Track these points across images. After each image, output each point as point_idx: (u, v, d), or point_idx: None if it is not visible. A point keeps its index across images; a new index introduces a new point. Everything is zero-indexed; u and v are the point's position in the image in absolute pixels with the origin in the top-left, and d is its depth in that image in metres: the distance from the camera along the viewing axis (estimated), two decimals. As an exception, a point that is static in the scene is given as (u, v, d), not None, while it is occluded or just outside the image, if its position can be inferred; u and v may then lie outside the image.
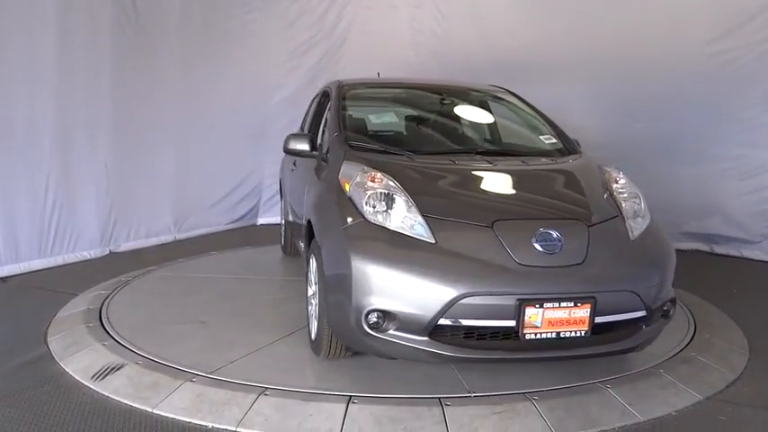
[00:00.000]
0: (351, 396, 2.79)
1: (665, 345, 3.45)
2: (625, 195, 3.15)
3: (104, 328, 3.63)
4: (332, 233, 2.98)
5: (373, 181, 2.94)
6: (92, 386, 3.00)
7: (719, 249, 6.08)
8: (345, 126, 3.66)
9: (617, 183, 3.23)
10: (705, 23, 5.84)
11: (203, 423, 2.66)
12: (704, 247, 6.17)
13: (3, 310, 4.20)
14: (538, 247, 2.72)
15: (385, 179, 2.95)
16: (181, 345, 3.37)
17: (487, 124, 4.28)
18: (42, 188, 5.19)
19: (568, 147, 3.73)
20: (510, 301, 2.60)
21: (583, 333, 2.69)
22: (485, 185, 3.21)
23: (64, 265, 5.33)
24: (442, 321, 2.62)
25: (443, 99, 4.39)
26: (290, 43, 7.19)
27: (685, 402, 2.89)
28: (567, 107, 6.41)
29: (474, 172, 3.29)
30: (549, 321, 2.64)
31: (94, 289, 4.46)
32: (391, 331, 2.68)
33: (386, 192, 2.89)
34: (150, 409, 2.77)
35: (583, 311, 2.66)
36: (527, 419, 2.66)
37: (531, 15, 6.61)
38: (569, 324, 2.67)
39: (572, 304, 2.65)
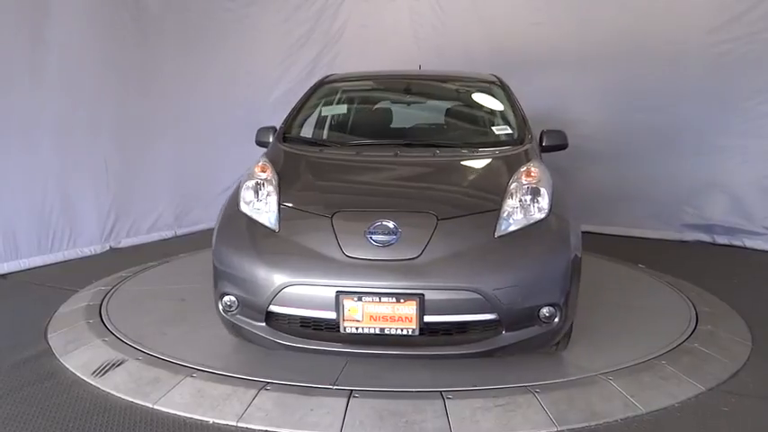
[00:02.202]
0: (352, 390, 2.78)
1: (666, 336, 3.44)
2: (524, 189, 2.91)
3: (104, 325, 3.62)
4: (217, 221, 3.16)
5: (263, 171, 3.12)
6: (92, 382, 2.99)
7: (721, 240, 6.04)
8: (294, 118, 3.89)
9: (528, 176, 2.98)
10: (705, 13, 5.80)
11: (204, 419, 2.65)
12: (706, 238, 6.14)
13: (3, 307, 4.18)
14: (370, 239, 2.69)
15: (270, 170, 3.11)
16: (182, 340, 3.36)
17: (445, 115, 4.24)
18: (41, 184, 5.18)
19: (520, 137, 3.57)
20: (331, 292, 2.61)
21: (410, 331, 2.60)
22: (369, 177, 3.30)
23: (64, 262, 5.31)
24: (275, 309, 2.72)
25: (412, 90, 4.45)
26: (287, 37, 7.15)
27: (688, 393, 2.87)
28: (567, 99, 6.42)
29: (374, 164, 3.38)
30: (371, 316, 2.60)
31: (95, 285, 4.45)
32: (238, 315, 2.85)
33: (256, 182, 3.04)
34: (151, 405, 2.76)
35: (407, 308, 2.58)
36: (529, 411, 2.65)
37: (531, 7, 6.56)
38: (394, 320, 2.59)
39: (394, 300, 2.58)
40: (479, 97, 4.31)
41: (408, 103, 4.51)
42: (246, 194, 3.03)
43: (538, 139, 3.67)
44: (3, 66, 4.77)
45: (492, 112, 4.08)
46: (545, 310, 2.68)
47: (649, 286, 4.57)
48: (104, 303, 3.98)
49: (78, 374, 3.08)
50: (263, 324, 2.78)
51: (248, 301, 2.77)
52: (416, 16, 7.12)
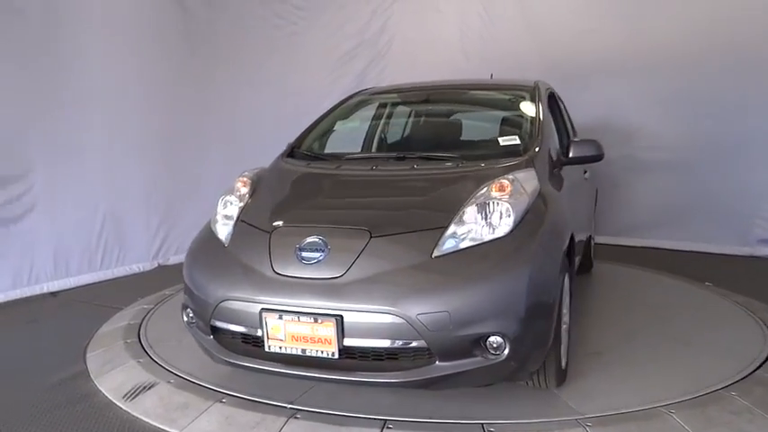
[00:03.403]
0: (386, 420, 2.60)
1: (736, 363, 3.12)
2: (485, 205, 2.60)
3: (141, 345, 3.58)
4: None
5: (243, 185, 3.15)
6: (123, 406, 2.92)
7: (798, 256, 5.58)
8: (309, 132, 3.82)
9: (499, 190, 2.66)
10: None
11: (230, 449, 2.52)
12: (781, 254, 5.68)
13: (49, 325, 4.21)
14: (299, 256, 2.55)
15: (247, 184, 3.15)
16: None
17: (457, 127, 3.99)
18: (92, 202, 5.26)
19: (525, 148, 3.20)
20: (257, 309, 2.52)
21: (330, 354, 2.43)
22: (328, 192, 3.17)
23: (113, 279, 5.37)
24: (216, 323, 2.67)
25: (431, 101, 4.29)
26: (333, 52, 7.09)
27: (762, 431, 2.56)
28: (627, 107, 6.11)
29: (345, 178, 3.24)
30: (293, 336, 2.47)
31: (138, 303, 4.44)
32: (195, 328, 2.85)
33: (226, 196, 3.10)
34: (178, 432, 2.66)
35: (325, 330, 2.41)
36: (579, 449, 2.41)
37: (583, 13, 6.28)
38: (314, 342, 2.44)
39: (312, 320, 2.43)
40: (505, 106, 4.08)
41: (425, 116, 4.34)
42: (218, 208, 3.08)
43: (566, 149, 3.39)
44: (47, 83, 4.85)
45: (510, 121, 3.84)
46: (492, 340, 2.39)
47: (717, 306, 4.22)
48: (144, 322, 3.95)
49: (110, 397, 3.02)
50: (211, 338, 2.76)
51: (198, 313, 2.77)
52: (464, 26, 6.95)
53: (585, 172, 4.08)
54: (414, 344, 2.37)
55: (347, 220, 2.76)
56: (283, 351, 2.50)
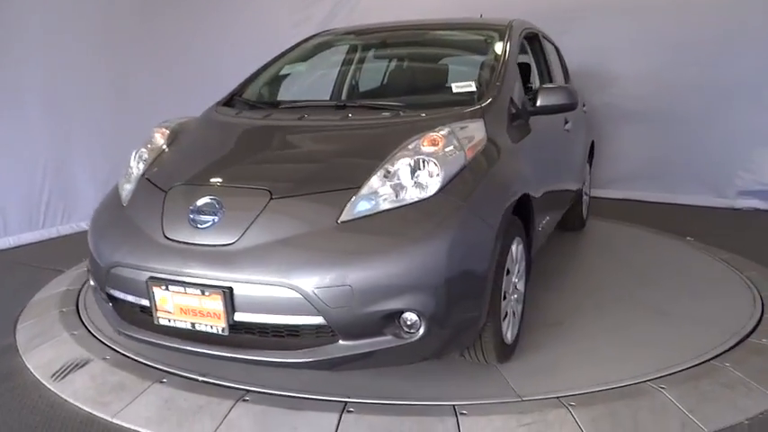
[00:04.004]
0: (346, 402, 2.32)
1: (725, 329, 2.89)
2: (406, 162, 2.25)
3: (78, 314, 3.22)
4: None
5: (162, 137, 2.86)
6: (50, 387, 2.59)
7: (782, 208, 5.39)
8: (253, 79, 3.46)
9: (430, 143, 2.31)
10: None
11: (168, 438, 2.22)
12: (763, 206, 5.49)
13: (-20, 291, 3.82)
14: (192, 219, 2.24)
15: (163, 136, 2.86)
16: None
17: (413, 71, 3.67)
18: (33, 153, 4.81)
19: (480, 96, 2.81)
20: (144, 278, 2.23)
21: (220, 329, 2.15)
22: (241, 146, 2.80)
23: (58, 238, 4.97)
24: (111, 291, 2.41)
25: (391, 44, 3.88)
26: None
27: (760, 406, 2.34)
28: (611, 52, 5.75)
29: (268, 129, 2.88)
30: (181, 308, 2.18)
31: (81, 266, 4.04)
32: (98, 294, 2.57)
33: (141, 148, 2.79)
34: (110, 418, 2.34)
35: (213, 303, 2.12)
36: (561, 430, 2.15)
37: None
38: (203, 315, 2.16)
39: (199, 292, 2.13)
40: (469, 48, 3.70)
41: (380, 59, 3.95)
42: (131, 162, 2.76)
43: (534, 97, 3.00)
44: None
45: (470, 65, 3.45)
46: (405, 317, 2.10)
47: (699, 264, 4.00)
48: (84, 288, 3.58)
49: (37, 376, 2.68)
50: (110, 306, 2.49)
51: (96, 279, 2.50)
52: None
53: (567, 122, 3.74)
54: (312, 321, 2.07)
55: (248, 178, 2.40)
56: (173, 324, 2.22)
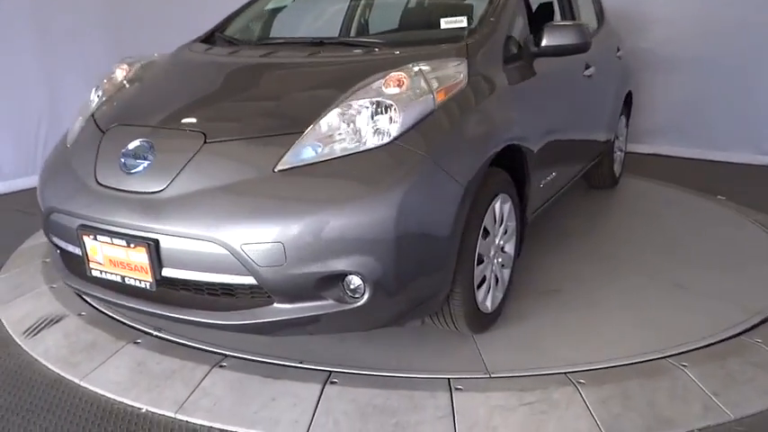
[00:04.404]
0: (330, 372, 2.11)
1: (758, 299, 2.62)
2: (360, 105, 1.97)
3: (61, 266, 3.04)
4: None
5: (123, 72, 2.64)
6: (22, 344, 2.43)
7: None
8: (240, 12, 3.18)
9: (394, 84, 2.02)
10: None
11: (136, 404, 2.04)
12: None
13: (-30, 238, 3.67)
14: (123, 163, 2.04)
15: (123, 72, 2.64)
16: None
17: (399, 7, 3.29)
18: (26, 95, 4.59)
19: (469, 32, 2.48)
20: (75, 225, 2.05)
21: (147, 285, 1.95)
22: (193, 84, 2.50)
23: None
24: (54, 238, 2.25)
25: None
26: None
27: (795, 390, 2.09)
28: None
29: (229, 66, 2.60)
30: (110, 260, 1.99)
31: (74, 214, 3.87)
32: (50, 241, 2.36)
33: (96, 86, 2.58)
34: (78, 381, 2.18)
35: (138, 256, 1.92)
36: (567, 414, 1.92)
37: None
38: (131, 269, 1.96)
39: (125, 243, 1.93)
40: None
41: None
42: (91, 97, 2.56)
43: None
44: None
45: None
46: (350, 281, 1.86)
47: (730, 226, 3.67)
48: (72, 238, 3.39)
49: (10, 332, 2.53)
50: (57, 253, 2.33)
51: (42, 224, 2.30)
52: None
53: (588, 67, 3.38)
54: (243, 281, 1.85)
55: (185, 119, 2.16)
56: (104, 276, 2.04)
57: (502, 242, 2.37)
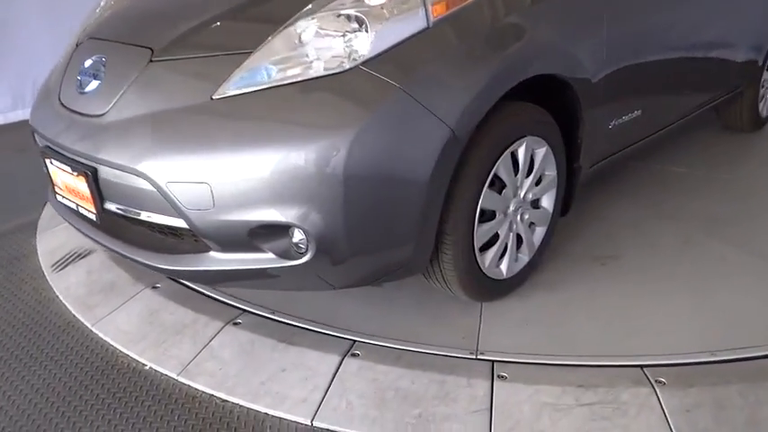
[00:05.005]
0: (354, 342, 1.82)
1: None
2: (335, 19, 1.55)
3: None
4: None
5: None
6: (48, 278, 2.33)
7: None
8: None
9: None
10: None
11: (141, 360, 1.86)
12: None
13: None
14: (78, 81, 1.83)
15: None
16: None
17: None
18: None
19: None
20: (42, 145, 1.91)
21: (94, 217, 1.78)
22: None
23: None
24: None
25: None
26: None
27: None
28: None
29: None
30: (66, 186, 1.84)
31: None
32: None
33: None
34: (90, 326, 2.03)
35: (81, 185, 1.73)
36: (635, 425, 1.52)
37: None
38: (81, 198, 1.79)
39: (70, 170, 1.75)
40: None
41: None
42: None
43: None
44: None
45: None
46: (294, 234, 1.52)
47: None
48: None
49: (41, 263, 2.43)
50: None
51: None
52: None
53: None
54: (176, 223, 1.60)
55: (135, 33, 1.88)
56: (65, 203, 1.93)
57: (531, 195, 1.92)
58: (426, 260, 1.70)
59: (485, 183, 1.71)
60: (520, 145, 1.79)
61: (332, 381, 1.68)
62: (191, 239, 1.65)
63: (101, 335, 1.97)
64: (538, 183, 1.94)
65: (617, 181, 2.80)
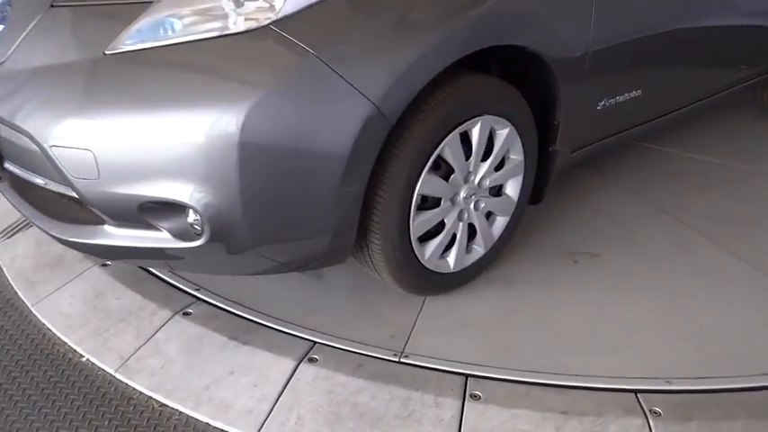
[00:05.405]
0: (314, 344, 1.62)
1: None
2: None
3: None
4: None
5: None
6: (-5, 249, 2.12)
7: None
8: None
9: None
10: None
11: (78, 350, 1.68)
12: None
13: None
14: None
15: None
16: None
17: None
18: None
19: None
20: None
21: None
22: None
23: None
24: None
25: None
26: None
27: None
28: None
29: None
30: None
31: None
32: None
33: None
34: (30, 306, 1.84)
35: None
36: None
37: None
38: None
39: None
40: None
41: None
42: None
43: None
44: None
45: None
46: (190, 213, 1.33)
47: None
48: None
49: (-10, 230, 2.22)
50: None
51: None
52: None
53: None
54: (66, 190, 1.43)
55: None
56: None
57: (488, 182, 1.69)
58: (347, 250, 1.49)
59: (424, 166, 1.48)
60: (473, 125, 1.55)
61: (283, 390, 1.49)
62: (88, 209, 1.46)
63: (40, 317, 1.79)
64: (499, 167, 1.71)
65: (607, 164, 2.54)
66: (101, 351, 1.65)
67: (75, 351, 1.67)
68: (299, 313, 1.72)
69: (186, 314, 1.72)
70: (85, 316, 1.76)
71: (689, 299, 1.80)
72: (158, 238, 1.38)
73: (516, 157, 1.72)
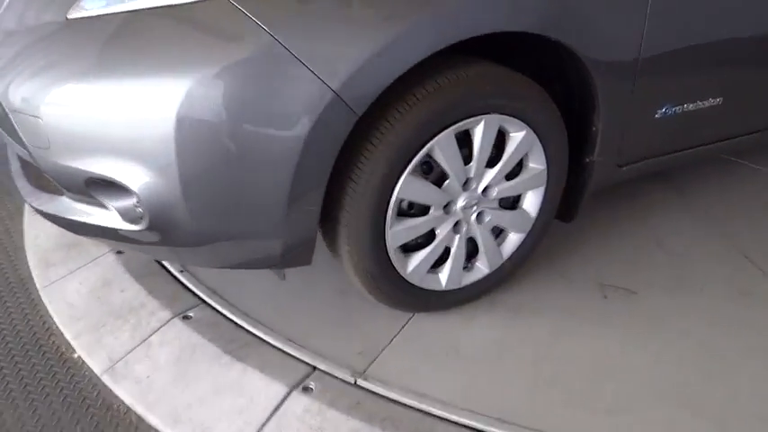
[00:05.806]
0: (314, 369, 1.44)
1: None
2: None
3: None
4: None
5: None
6: (25, 219, 2.09)
7: None
8: None
9: None
10: None
11: (72, 344, 1.58)
12: None
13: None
14: None
15: None
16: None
17: None
18: None
19: None
20: None
21: None
22: None
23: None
24: None
25: None
26: None
27: None
28: None
29: None
30: None
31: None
32: None
33: None
34: (39, 288, 1.78)
35: None
36: None
37: None
38: None
39: None
40: None
41: None
42: None
43: None
44: None
45: None
46: (134, 194, 1.17)
47: None
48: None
49: (25, 204, 2.19)
50: None
51: None
52: None
53: None
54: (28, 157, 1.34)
55: None
56: None
57: (496, 192, 1.42)
58: (310, 252, 1.29)
59: (405, 166, 1.25)
60: (474, 124, 1.29)
61: (268, 420, 1.32)
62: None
63: (45, 302, 1.71)
64: (513, 176, 1.43)
65: (679, 180, 2.17)
66: (93, 349, 1.54)
67: (69, 345, 1.58)
68: (305, 329, 1.54)
69: (186, 318, 1.58)
70: (87, 308, 1.66)
71: (736, 371, 1.44)
72: (107, 216, 1.28)
73: (537, 165, 1.45)
